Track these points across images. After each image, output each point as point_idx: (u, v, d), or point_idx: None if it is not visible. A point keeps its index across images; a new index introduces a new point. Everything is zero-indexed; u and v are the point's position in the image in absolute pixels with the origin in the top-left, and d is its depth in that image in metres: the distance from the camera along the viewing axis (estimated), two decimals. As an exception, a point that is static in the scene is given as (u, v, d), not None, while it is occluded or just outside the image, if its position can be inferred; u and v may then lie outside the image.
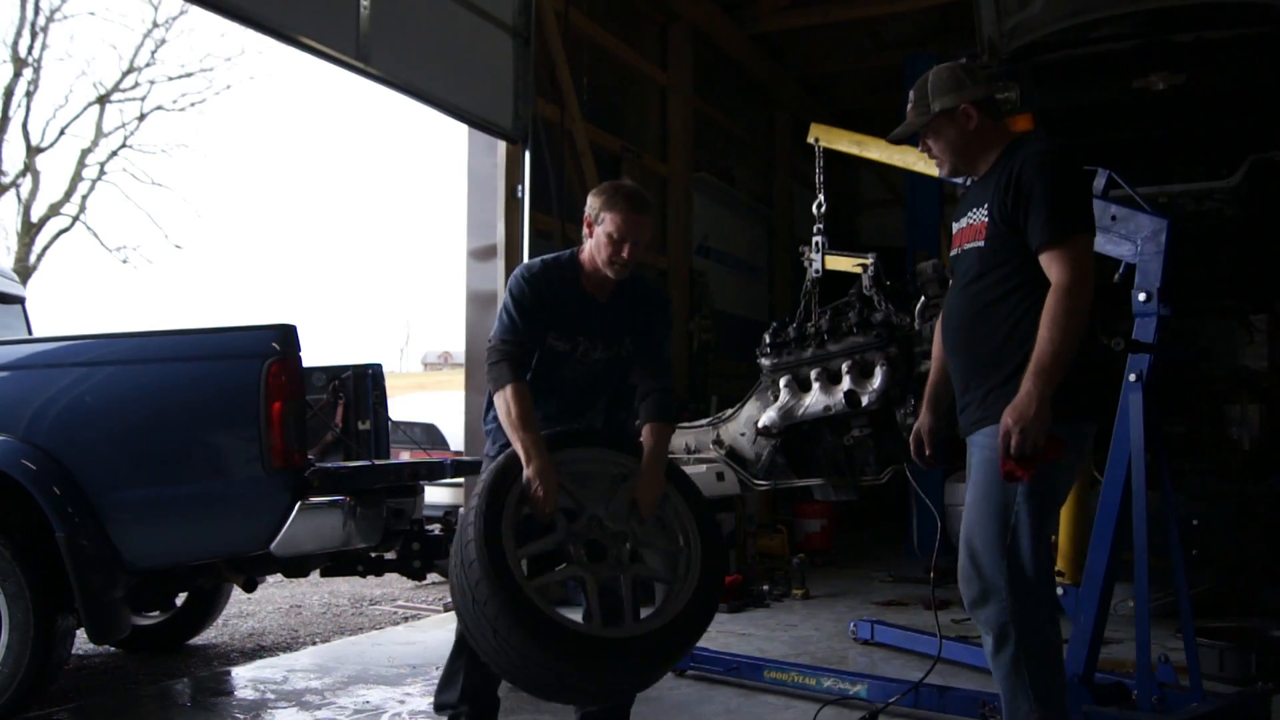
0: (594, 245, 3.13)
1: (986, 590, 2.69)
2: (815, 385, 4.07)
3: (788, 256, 10.11)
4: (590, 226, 3.14)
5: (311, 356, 4.16)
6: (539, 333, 3.14)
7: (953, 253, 2.90)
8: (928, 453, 3.07)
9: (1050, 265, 2.60)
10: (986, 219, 2.72)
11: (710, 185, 9.30)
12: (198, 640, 5.43)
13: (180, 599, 5.19)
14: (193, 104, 19.87)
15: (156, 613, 5.23)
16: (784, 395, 4.17)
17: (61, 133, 18.43)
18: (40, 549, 3.86)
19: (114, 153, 18.92)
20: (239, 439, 3.88)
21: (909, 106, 2.91)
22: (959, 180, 3.09)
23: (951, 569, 2.91)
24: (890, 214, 11.80)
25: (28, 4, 17.52)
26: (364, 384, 5.22)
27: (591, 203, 3.16)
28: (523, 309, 3.11)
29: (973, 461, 2.77)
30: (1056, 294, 2.57)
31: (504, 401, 3.02)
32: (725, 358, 9.07)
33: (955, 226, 2.90)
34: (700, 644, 4.52)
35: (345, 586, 7.16)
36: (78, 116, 18.92)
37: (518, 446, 2.96)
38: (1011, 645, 2.66)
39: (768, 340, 4.42)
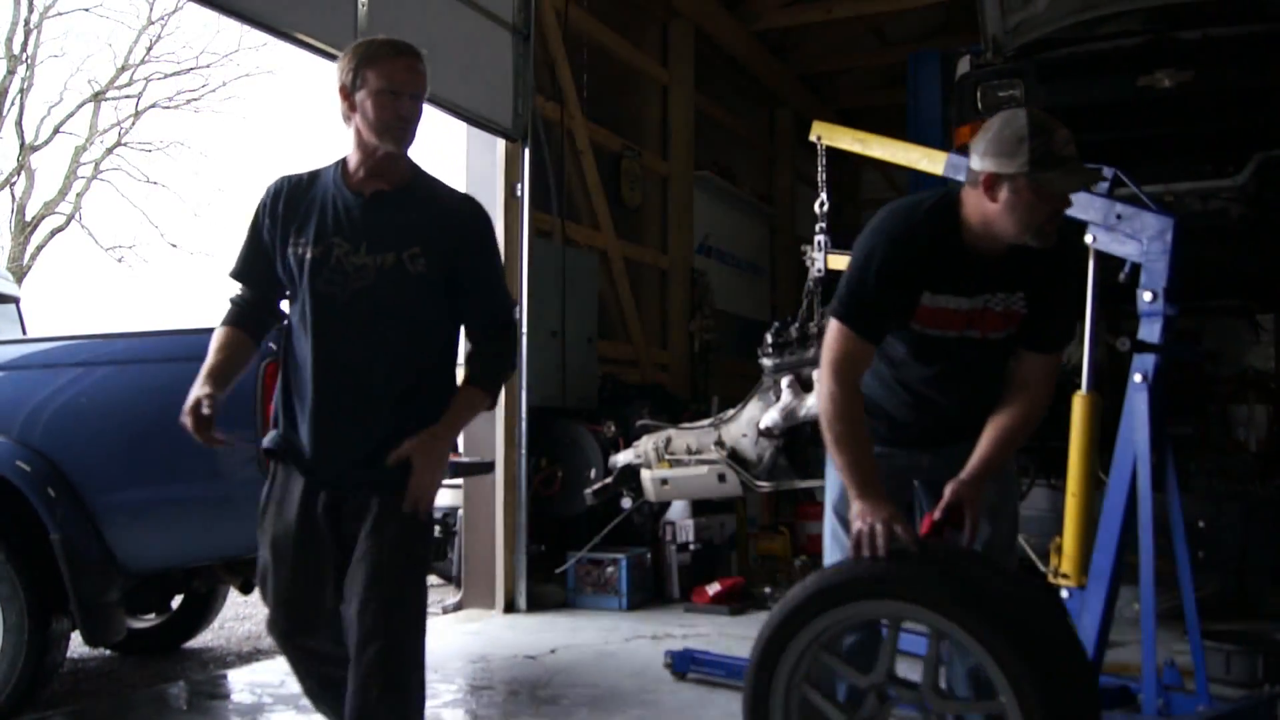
0: (359, 122, 2.41)
1: None
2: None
3: (790, 255, 10.06)
4: (348, 98, 2.41)
5: (308, 357, 4.12)
6: (275, 251, 2.51)
7: (964, 333, 2.49)
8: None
9: (1044, 369, 2.49)
10: (1024, 309, 2.46)
11: (712, 184, 9.25)
12: (194, 643, 5.40)
13: (176, 601, 5.15)
14: (189, 101, 19.70)
15: (152, 615, 5.20)
16: (786, 396, 4.14)
17: (56, 130, 18.31)
18: (35, 551, 3.82)
19: (109, 150, 18.85)
20: (235, 440, 3.84)
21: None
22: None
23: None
24: (893, 213, 11.77)
25: (21, 1, 17.49)
26: (362, 384, 5.17)
27: (342, 69, 2.42)
28: (249, 229, 2.55)
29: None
30: (1040, 405, 2.50)
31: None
32: (727, 358, 9.02)
33: (964, 303, 2.45)
34: (701, 647, 4.52)
35: (344, 587, 7.12)
36: (72, 114, 18.60)
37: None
38: None
39: (770, 340, 4.39)
